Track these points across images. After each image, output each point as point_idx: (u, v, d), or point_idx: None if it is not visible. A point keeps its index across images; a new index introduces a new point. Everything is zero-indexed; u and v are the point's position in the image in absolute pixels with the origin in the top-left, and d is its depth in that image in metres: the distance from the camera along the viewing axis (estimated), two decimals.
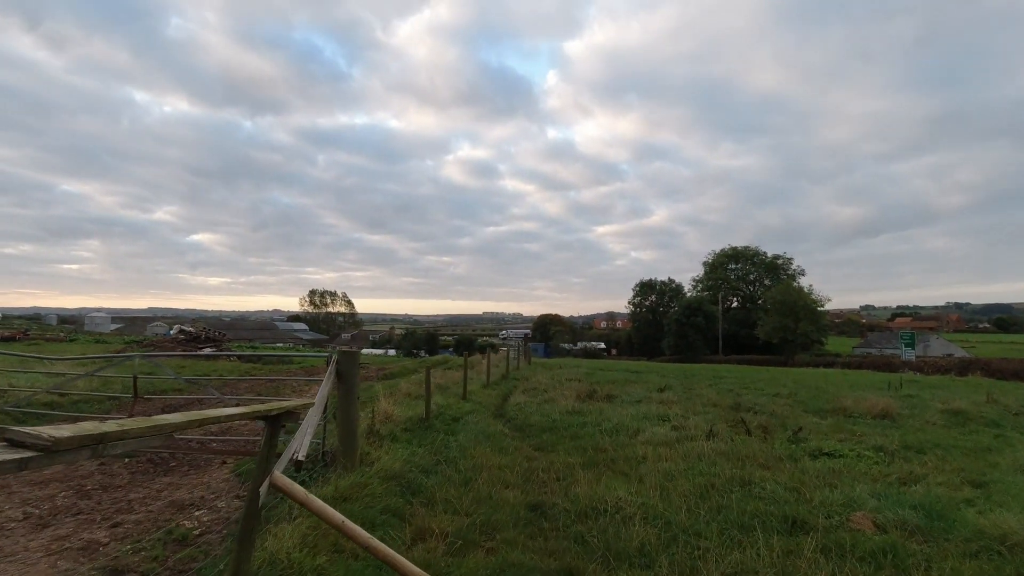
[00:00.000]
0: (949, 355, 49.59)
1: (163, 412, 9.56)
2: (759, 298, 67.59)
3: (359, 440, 5.87)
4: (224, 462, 6.38)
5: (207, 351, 22.07)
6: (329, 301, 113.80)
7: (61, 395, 9.61)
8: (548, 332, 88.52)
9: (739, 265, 72.63)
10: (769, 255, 70.84)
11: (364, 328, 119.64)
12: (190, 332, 31.22)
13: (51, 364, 11.50)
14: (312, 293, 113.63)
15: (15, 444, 1.39)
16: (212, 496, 5.14)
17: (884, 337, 67.53)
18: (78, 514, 4.65)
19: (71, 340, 39.76)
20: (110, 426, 1.61)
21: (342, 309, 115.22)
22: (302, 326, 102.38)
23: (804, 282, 64.23)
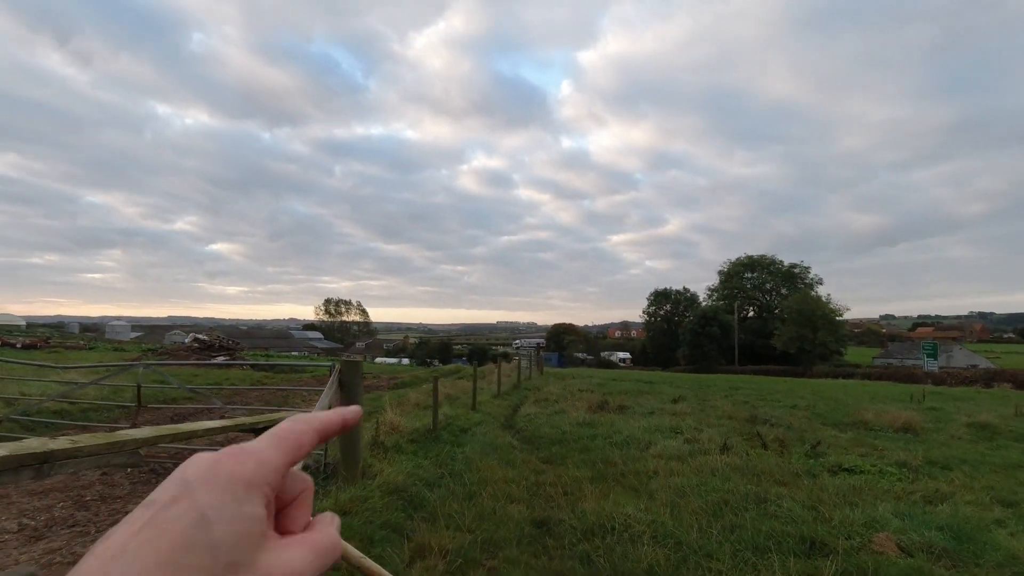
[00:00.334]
0: (973, 366, 48.27)
1: (172, 421, 9.54)
2: (776, 307, 66.72)
3: (361, 452, 5.74)
4: None
5: (220, 359, 22.22)
6: (344, 310, 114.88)
7: (71, 403, 9.65)
8: (562, 342, 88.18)
9: (755, 274, 71.73)
10: (786, 264, 70.02)
11: (378, 337, 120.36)
12: (204, 341, 31.54)
13: (63, 372, 11.58)
14: (327, 302, 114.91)
15: None
16: None
17: (905, 347, 65.90)
18: (73, 526, 4.57)
19: (90, 348, 40.51)
20: (60, 443, 1.49)
21: (357, 318, 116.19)
22: (317, 335, 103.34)
23: (822, 291, 63.16)
